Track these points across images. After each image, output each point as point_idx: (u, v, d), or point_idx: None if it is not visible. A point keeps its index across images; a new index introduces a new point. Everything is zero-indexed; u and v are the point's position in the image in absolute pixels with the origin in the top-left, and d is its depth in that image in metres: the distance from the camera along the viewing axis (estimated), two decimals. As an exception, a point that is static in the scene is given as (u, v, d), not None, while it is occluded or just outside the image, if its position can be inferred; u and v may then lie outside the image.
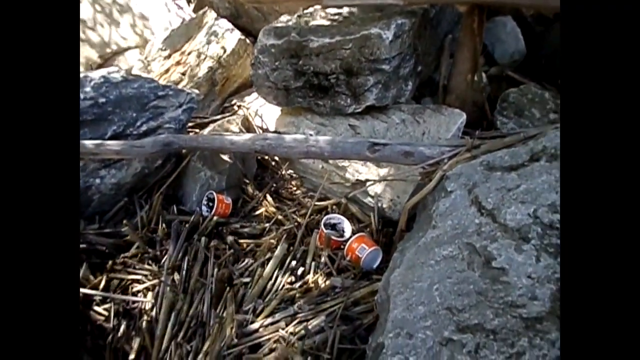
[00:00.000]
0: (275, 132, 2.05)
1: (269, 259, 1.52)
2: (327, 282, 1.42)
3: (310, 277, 1.46)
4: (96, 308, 1.41)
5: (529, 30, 2.56)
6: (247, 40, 2.49)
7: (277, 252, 1.52)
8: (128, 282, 1.50)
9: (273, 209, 1.80)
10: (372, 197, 1.69)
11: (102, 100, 1.70)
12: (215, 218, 1.67)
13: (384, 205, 1.66)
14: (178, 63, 2.50)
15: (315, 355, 1.20)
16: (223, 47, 2.42)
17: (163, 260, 1.55)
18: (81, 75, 1.74)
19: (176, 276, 1.49)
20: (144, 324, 1.37)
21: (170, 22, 3.03)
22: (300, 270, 1.48)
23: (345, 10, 2.05)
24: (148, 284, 1.48)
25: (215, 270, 1.49)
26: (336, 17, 1.99)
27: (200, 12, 2.66)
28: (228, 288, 1.42)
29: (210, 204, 1.73)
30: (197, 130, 2.09)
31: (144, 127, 1.78)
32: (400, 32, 1.74)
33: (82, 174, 1.66)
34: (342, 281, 1.41)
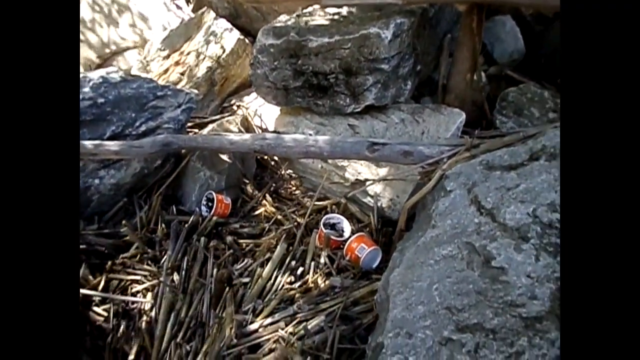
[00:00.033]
0: (274, 131, 2.04)
1: (268, 259, 1.52)
2: (327, 282, 1.42)
3: (309, 277, 1.46)
4: (95, 308, 1.41)
5: (528, 29, 2.56)
6: (246, 40, 2.49)
7: (276, 252, 1.51)
8: (127, 283, 1.50)
9: (272, 209, 1.79)
10: (371, 196, 1.69)
11: (101, 100, 1.70)
12: (214, 218, 1.67)
13: (384, 205, 1.66)
14: (177, 63, 2.50)
15: (315, 355, 1.20)
16: (222, 47, 2.42)
17: (162, 261, 1.55)
18: (80, 75, 1.74)
19: (175, 276, 1.49)
20: (144, 324, 1.37)
21: (169, 22, 3.03)
22: (299, 270, 1.48)
23: (344, 9, 2.04)
24: (147, 284, 1.48)
25: (215, 270, 1.49)
26: (335, 16, 1.99)
27: (199, 12, 2.66)
28: (227, 288, 1.42)
29: (210, 204, 1.73)
30: (197, 130, 2.08)
31: (143, 128, 1.78)
32: (399, 32, 1.74)
33: (81, 174, 1.66)
34: (342, 281, 1.41)
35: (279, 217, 1.74)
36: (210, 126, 2.05)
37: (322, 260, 1.50)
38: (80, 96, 1.66)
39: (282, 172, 2.00)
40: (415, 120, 1.82)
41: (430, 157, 1.43)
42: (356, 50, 1.74)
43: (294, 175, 1.99)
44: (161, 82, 2.34)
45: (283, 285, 1.43)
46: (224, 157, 1.89)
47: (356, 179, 1.74)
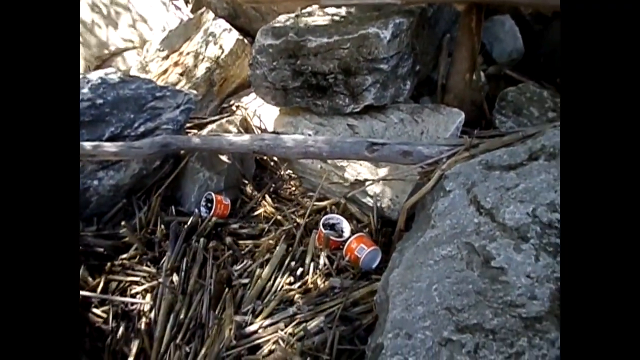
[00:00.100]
0: (273, 132, 2.04)
1: (267, 260, 1.51)
2: (326, 283, 1.41)
3: (309, 278, 1.46)
4: (95, 310, 1.40)
5: (527, 29, 2.56)
6: (245, 41, 2.49)
7: (276, 252, 1.51)
8: (126, 284, 1.50)
9: (272, 210, 1.79)
10: (371, 197, 1.69)
11: (100, 101, 1.69)
12: (213, 219, 1.67)
13: (383, 205, 1.66)
14: (176, 64, 2.49)
15: (315, 356, 1.20)
16: (221, 48, 2.42)
17: (162, 262, 1.55)
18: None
19: (175, 277, 1.48)
20: (143, 325, 1.36)
21: (167, 23, 3.02)
22: (299, 271, 1.48)
23: (343, 9, 2.04)
24: (147, 285, 1.48)
25: (214, 271, 1.49)
26: (334, 16, 1.99)
27: (198, 12, 2.65)
28: (227, 289, 1.42)
29: (209, 204, 1.72)
30: (196, 131, 2.08)
31: (142, 128, 1.78)
32: (398, 32, 1.73)
33: (80, 175, 1.65)
34: (341, 281, 1.41)
35: (279, 217, 1.74)
36: (209, 127, 2.04)
37: (321, 261, 1.50)
38: (79, 97, 1.66)
39: (282, 173, 1.99)
40: (415, 120, 1.82)
41: (429, 157, 1.43)
42: (355, 50, 1.74)
43: (293, 175, 1.99)
44: (160, 82, 2.34)
45: (282, 286, 1.43)
46: (223, 157, 1.89)
47: (355, 179, 1.74)
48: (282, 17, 2.08)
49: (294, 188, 1.95)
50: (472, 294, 0.91)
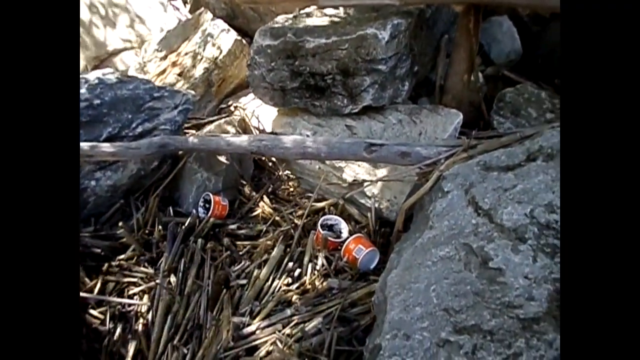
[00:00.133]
0: (271, 133, 2.04)
1: (265, 261, 1.51)
2: (324, 284, 1.41)
3: (307, 279, 1.45)
4: (92, 311, 1.40)
5: (525, 30, 2.57)
6: (244, 41, 2.49)
7: (273, 253, 1.51)
8: (124, 285, 1.49)
9: (270, 210, 1.79)
10: (369, 197, 1.69)
11: (97, 101, 1.69)
12: (211, 220, 1.67)
13: (381, 206, 1.65)
14: (174, 64, 2.49)
15: (313, 357, 1.20)
16: (219, 48, 2.42)
17: (159, 263, 1.54)
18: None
19: (172, 278, 1.48)
20: (140, 327, 1.36)
21: (166, 23, 3.02)
22: (297, 272, 1.48)
23: (341, 10, 2.04)
24: (144, 286, 1.47)
25: (212, 272, 1.48)
26: (332, 17, 1.99)
27: (197, 13, 2.65)
28: (225, 290, 1.42)
29: (207, 205, 1.72)
30: (194, 132, 2.08)
31: (140, 129, 1.77)
32: (396, 33, 1.73)
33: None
34: (339, 282, 1.41)
35: (277, 218, 1.74)
36: (207, 127, 2.04)
37: (319, 262, 1.50)
38: (77, 97, 1.66)
39: (280, 173, 1.99)
40: (413, 121, 1.82)
41: (427, 158, 1.43)
42: (353, 51, 1.74)
43: (291, 176, 1.99)
44: (158, 83, 2.34)
45: (280, 287, 1.43)
46: (221, 158, 1.88)
47: (354, 180, 1.73)
48: (280, 18, 2.08)
49: (292, 189, 1.95)
50: (470, 295, 0.91)
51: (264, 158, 2.05)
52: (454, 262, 1.00)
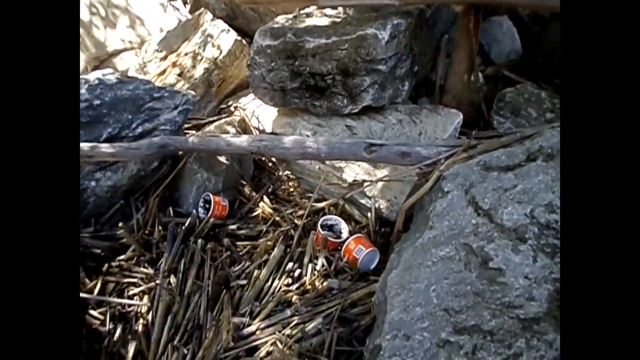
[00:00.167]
0: (271, 133, 2.04)
1: (265, 261, 1.51)
2: (324, 284, 1.41)
3: (307, 279, 1.45)
4: (92, 312, 1.40)
5: (525, 30, 2.57)
6: (244, 41, 2.49)
7: (274, 254, 1.51)
8: (124, 286, 1.49)
9: (270, 211, 1.79)
10: (369, 197, 1.69)
11: (97, 102, 1.69)
12: (211, 220, 1.66)
13: (381, 206, 1.65)
14: (174, 64, 2.49)
15: (313, 357, 1.20)
16: (219, 49, 2.42)
17: (159, 263, 1.54)
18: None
19: (172, 279, 1.48)
20: (140, 327, 1.36)
21: (166, 24, 3.02)
22: (297, 272, 1.48)
23: (341, 10, 2.04)
24: (144, 287, 1.47)
25: (212, 272, 1.48)
26: (332, 17, 1.99)
27: (197, 13, 2.65)
28: (225, 291, 1.42)
29: (207, 205, 1.72)
30: (194, 132, 2.08)
31: (140, 129, 1.77)
32: (396, 33, 1.73)
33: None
34: (340, 283, 1.41)
35: (277, 218, 1.73)
36: (207, 128, 2.04)
37: (319, 262, 1.50)
38: (76, 98, 1.66)
39: (280, 174, 1.99)
40: (413, 121, 1.82)
41: (427, 158, 1.43)
42: (353, 51, 1.73)
43: (291, 176, 1.99)
44: (158, 83, 2.34)
45: (280, 288, 1.43)
46: (222, 158, 1.88)
47: (354, 180, 1.73)
48: (280, 18, 2.08)
49: (292, 189, 1.95)
50: (470, 295, 0.91)
51: (264, 158, 2.05)
52: (454, 262, 1.00)
